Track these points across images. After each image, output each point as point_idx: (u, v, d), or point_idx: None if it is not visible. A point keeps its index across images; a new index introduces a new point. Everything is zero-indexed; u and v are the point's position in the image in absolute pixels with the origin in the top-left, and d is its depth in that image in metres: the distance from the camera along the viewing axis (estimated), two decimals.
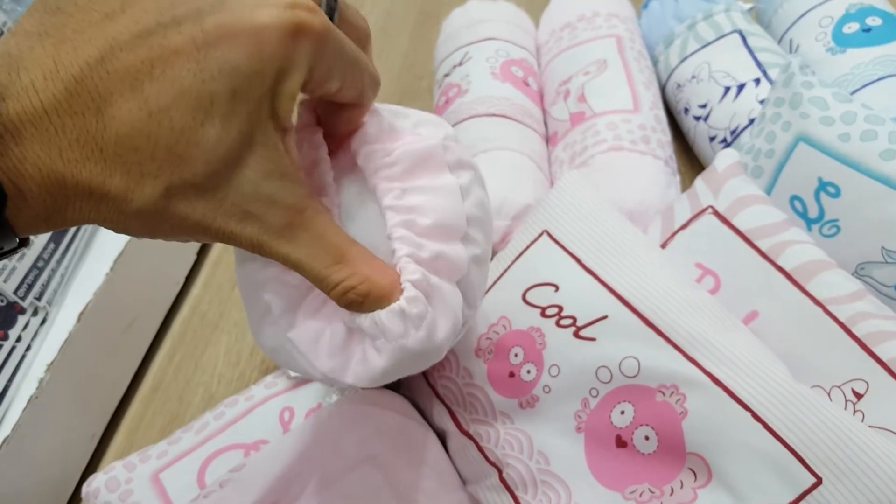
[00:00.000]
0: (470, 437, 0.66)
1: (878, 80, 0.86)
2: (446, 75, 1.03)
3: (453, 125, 0.93)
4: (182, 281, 0.95)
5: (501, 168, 0.85)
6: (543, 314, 0.66)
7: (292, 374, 0.74)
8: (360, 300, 0.38)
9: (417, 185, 0.43)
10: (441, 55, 1.09)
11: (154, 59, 0.30)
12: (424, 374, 0.73)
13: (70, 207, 0.31)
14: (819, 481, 0.49)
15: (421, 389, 0.73)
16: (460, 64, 1.02)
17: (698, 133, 0.94)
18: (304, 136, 0.44)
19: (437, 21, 1.16)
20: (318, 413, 0.65)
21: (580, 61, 0.98)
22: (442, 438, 0.69)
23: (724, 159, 0.72)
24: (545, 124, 0.98)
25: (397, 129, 0.44)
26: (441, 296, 0.42)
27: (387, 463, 0.63)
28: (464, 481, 0.66)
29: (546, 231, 0.69)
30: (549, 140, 0.96)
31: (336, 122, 0.43)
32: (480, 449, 0.65)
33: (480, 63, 1.00)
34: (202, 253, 0.99)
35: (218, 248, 0.99)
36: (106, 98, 0.30)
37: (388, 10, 1.36)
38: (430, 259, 0.42)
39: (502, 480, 0.62)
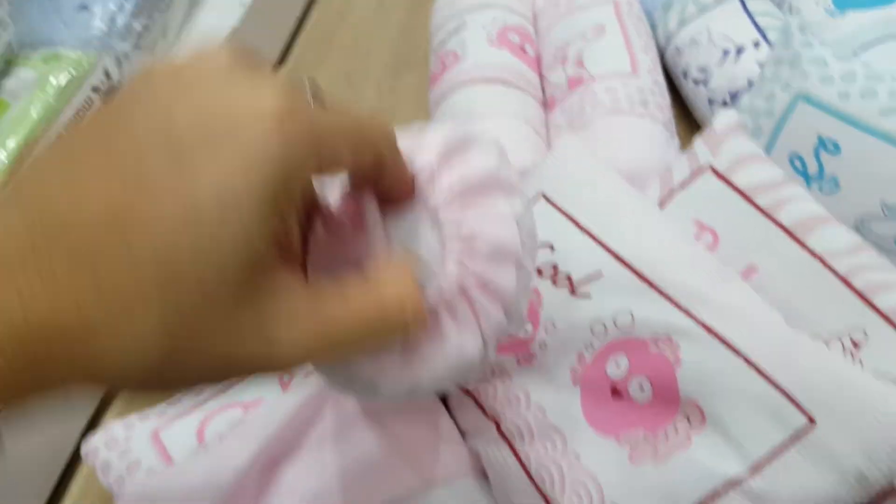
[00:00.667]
0: (468, 393, 0.66)
1: (879, 42, 0.85)
2: (442, 43, 1.02)
3: (447, 93, 0.93)
4: None
5: (498, 134, 0.85)
6: (540, 274, 0.65)
7: None
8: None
9: (473, 213, 0.41)
10: (437, 23, 1.08)
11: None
12: None
13: None
14: (812, 421, 0.49)
15: None
16: (456, 31, 1.01)
17: (697, 97, 0.94)
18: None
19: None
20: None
21: (578, 27, 0.98)
22: (442, 397, 0.69)
23: (723, 119, 0.71)
24: (542, 90, 0.98)
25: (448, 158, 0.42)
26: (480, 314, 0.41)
27: (386, 417, 0.63)
28: (463, 435, 0.66)
29: (542, 193, 0.69)
30: (546, 105, 0.96)
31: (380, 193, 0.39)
32: (479, 404, 0.65)
33: (477, 30, 0.99)
34: None
35: None
36: None
37: None
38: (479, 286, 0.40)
39: (500, 433, 0.62)
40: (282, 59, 1.23)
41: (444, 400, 0.69)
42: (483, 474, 0.63)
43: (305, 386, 0.64)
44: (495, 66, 0.94)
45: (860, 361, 0.56)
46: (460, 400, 0.67)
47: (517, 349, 0.65)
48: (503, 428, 0.62)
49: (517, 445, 0.61)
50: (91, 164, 0.26)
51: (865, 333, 0.57)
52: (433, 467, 0.61)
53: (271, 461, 0.60)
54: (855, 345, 0.57)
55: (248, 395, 0.69)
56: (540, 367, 0.63)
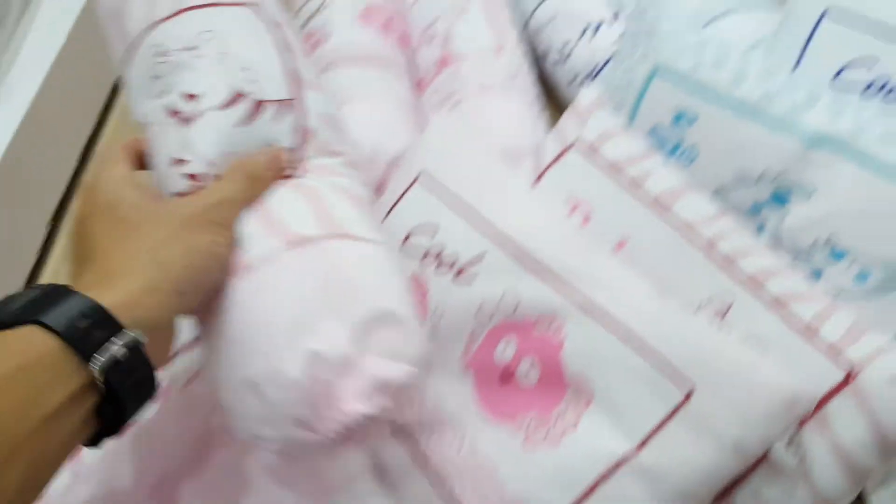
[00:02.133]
0: None
1: (722, 14, 0.90)
2: (305, 23, 0.99)
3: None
4: (38, 250, 0.88)
5: (370, 116, 0.83)
6: (424, 259, 0.65)
7: None
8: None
9: None
10: (298, 2, 1.04)
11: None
12: None
13: None
14: (691, 394, 0.52)
15: None
16: (318, 10, 0.98)
17: (559, 76, 0.96)
18: None
19: None
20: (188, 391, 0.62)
21: (442, 3, 0.97)
22: None
23: (586, 95, 0.73)
24: (412, 70, 0.97)
25: None
26: None
27: None
28: None
29: (421, 172, 0.69)
30: (417, 86, 0.95)
31: None
32: None
33: (342, 7, 0.96)
34: (56, 221, 0.92)
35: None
36: None
37: None
38: None
39: (398, 430, 0.62)
40: None
41: None
42: (381, 475, 0.62)
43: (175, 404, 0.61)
44: (361, 46, 0.92)
45: (727, 328, 0.60)
46: None
47: None
48: (399, 425, 0.62)
49: (413, 443, 0.61)
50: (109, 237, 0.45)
51: (730, 303, 0.61)
52: (331, 474, 0.60)
53: (164, 480, 0.58)
54: (720, 315, 0.61)
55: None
56: (433, 356, 0.64)
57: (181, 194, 0.48)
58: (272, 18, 0.55)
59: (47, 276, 0.87)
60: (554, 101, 0.99)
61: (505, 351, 0.60)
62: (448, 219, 0.65)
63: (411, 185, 0.69)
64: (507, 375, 0.59)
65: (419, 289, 0.65)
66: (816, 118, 0.64)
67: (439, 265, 0.64)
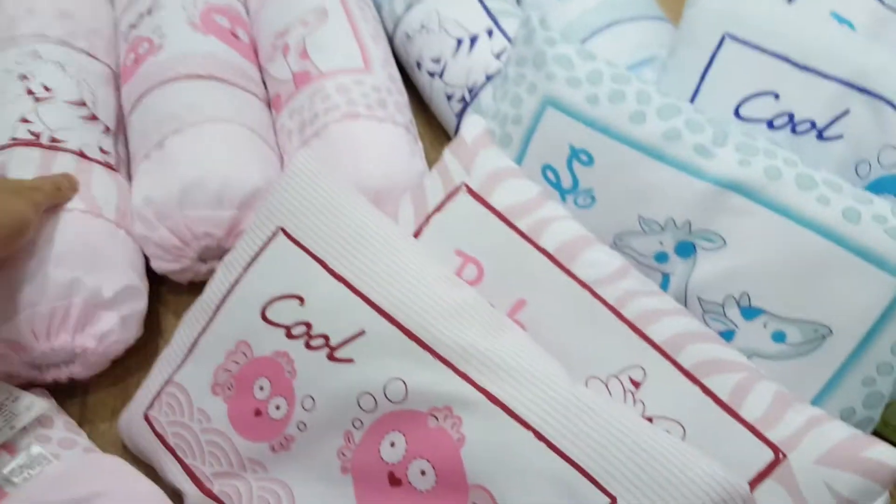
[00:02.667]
0: (215, 498, 0.54)
1: (605, 27, 0.84)
2: (132, 26, 0.83)
3: (147, 92, 0.75)
4: None
5: (217, 144, 0.70)
6: (289, 334, 0.54)
7: None
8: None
9: None
10: (121, 4, 0.88)
11: None
12: (148, 420, 0.58)
13: None
14: (614, 500, 0.45)
15: (141, 435, 0.58)
16: (149, 12, 0.83)
17: (434, 90, 0.86)
18: None
19: None
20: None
21: (296, 8, 0.84)
22: (180, 502, 0.55)
23: (471, 128, 0.64)
24: (264, 85, 0.84)
25: None
26: None
27: None
28: None
29: (282, 228, 0.57)
30: (270, 104, 0.82)
31: None
32: None
33: (176, 11, 0.82)
34: None
35: None
36: None
37: None
38: None
39: None
40: None
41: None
42: None
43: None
44: (202, 57, 0.78)
45: (641, 402, 0.53)
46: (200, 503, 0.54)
47: (270, 433, 0.54)
48: None
49: None
50: None
51: (644, 370, 0.54)
52: None
53: None
54: (634, 384, 0.54)
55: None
56: (301, 452, 0.53)
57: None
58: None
59: None
60: (429, 114, 0.90)
61: (392, 449, 0.50)
62: (316, 285, 0.54)
63: (270, 240, 0.58)
64: (395, 479, 0.50)
65: (286, 368, 0.53)
66: (725, 159, 0.59)
67: (309, 343, 0.53)
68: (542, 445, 0.46)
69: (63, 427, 0.59)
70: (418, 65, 0.88)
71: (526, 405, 0.47)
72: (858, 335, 0.55)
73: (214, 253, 0.69)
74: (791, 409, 0.51)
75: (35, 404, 0.58)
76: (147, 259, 0.70)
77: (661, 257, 0.61)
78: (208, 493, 0.54)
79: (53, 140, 0.69)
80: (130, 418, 0.60)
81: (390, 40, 0.92)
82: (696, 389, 0.52)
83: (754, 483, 0.50)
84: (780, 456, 0.50)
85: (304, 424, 0.52)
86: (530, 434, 0.47)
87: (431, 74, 0.86)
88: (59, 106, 0.72)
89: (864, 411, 0.57)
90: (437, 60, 0.86)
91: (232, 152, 0.70)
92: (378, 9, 0.94)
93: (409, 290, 0.52)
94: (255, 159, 0.72)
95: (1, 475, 0.54)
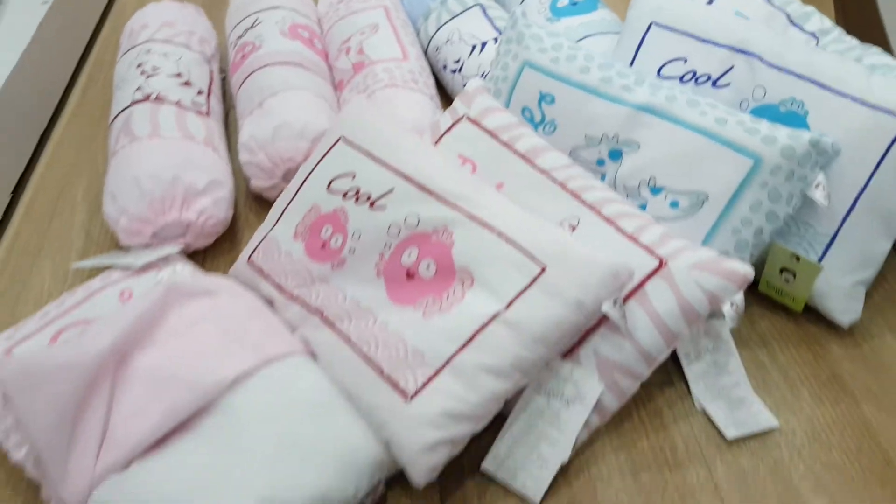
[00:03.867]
0: (293, 297, 0.81)
1: (584, 38, 1.14)
2: (240, 37, 1.17)
3: (250, 74, 1.08)
4: (0, 213, 1.00)
5: (299, 102, 1.01)
6: (345, 197, 0.83)
7: (130, 263, 0.85)
8: None
9: None
10: (232, 23, 1.23)
11: None
12: (251, 262, 0.87)
13: None
14: (544, 269, 0.71)
15: (246, 272, 0.86)
16: (252, 27, 1.17)
17: (455, 83, 1.17)
18: None
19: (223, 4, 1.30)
20: (159, 285, 0.77)
21: (356, 25, 1.17)
22: (269, 304, 0.83)
23: (472, 84, 0.94)
24: (332, 78, 1.16)
25: None
26: None
27: (220, 318, 0.76)
28: (291, 329, 0.80)
29: (342, 137, 0.87)
30: (336, 87, 1.14)
31: None
32: (303, 303, 0.80)
33: (271, 25, 1.16)
34: (16, 192, 1.04)
35: (32, 189, 1.05)
36: None
37: None
38: None
39: (324, 319, 0.78)
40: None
41: (269, 305, 0.83)
42: (311, 355, 0.78)
43: (149, 295, 0.75)
44: (290, 53, 1.10)
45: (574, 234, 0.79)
46: (285, 303, 0.82)
47: (331, 257, 0.81)
48: (326, 315, 0.78)
49: (339, 326, 0.77)
50: None
51: (578, 220, 0.81)
52: (268, 349, 0.75)
53: (123, 354, 0.71)
54: (572, 228, 0.80)
55: (91, 314, 0.79)
56: (351, 268, 0.80)
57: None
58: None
59: (8, 237, 0.99)
60: (450, 103, 1.20)
61: (409, 257, 0.77)
62: (363, 166, 0.83)
63: (333, 145, 0.87)
64: (410, 274, 0.77)
65: (342, 217, 0.82)
66: (641, 93, 0.87)
67: (357, 200, 0.82)
68: (501, 240, 0.73)
69: (189, 263, 0.88)
70: (444, 67, 1.19)
71: (494, 219, 0.74)
72: (726, 198, 0.81)
73: (293, 175, 0.99)
74: (674, 239, 0.77)
75: (166, 248, 0.88)
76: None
77: (600, 162, 0.89)
78: (289, 296, 0.82)
79: (158, 97, 1.01)
80: (239, 264, 0.88)
81: (424, 52, 1.24)
82: (611, 229, 0.79)
83: (645, 280, 0.75)
84: (663, 262, 0.75)
85: (354, 250, 0.80)
86: (494, 234, 0.73)
87: (453, 72, 1.17)
88: (163, 78, 1.05)
89: (735, 254, 0.82)
90: (457, 61, 1.17)
91: (309, 106, 1.01)
92: (416, 32, 1.26)
93: (425, 164, 0.81)
94: (324, 113, 1.02)
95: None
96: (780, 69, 0.87)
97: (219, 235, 0.97)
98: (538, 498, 0.72)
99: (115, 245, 0.98)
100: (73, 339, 0.69)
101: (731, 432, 0.78)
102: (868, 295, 0.91)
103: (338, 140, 0.87)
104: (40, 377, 0.63)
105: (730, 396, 0.81)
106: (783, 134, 0.80)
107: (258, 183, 1.00)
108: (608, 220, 0.79)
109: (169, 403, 0.68)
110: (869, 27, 1.12)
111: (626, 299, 0.75)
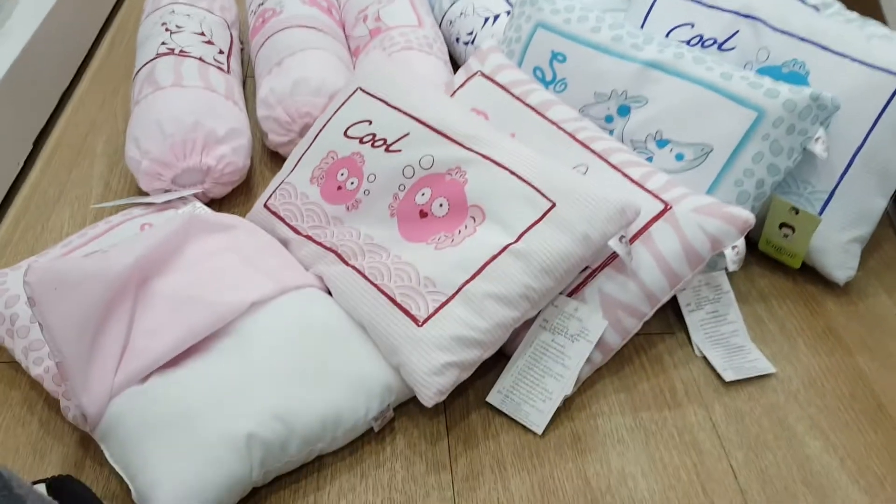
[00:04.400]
0: (308, 237, 0.84)
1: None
2: (261, 4, 1.21)
3: (270, 36, 1.11)
4: (21, 162, 1.02)
5: (318, 60, 1.04)
6: (361, 142, 0.86)
7: (150, 201, 0.87)
8: None
9: None
10: None
11: None
12: (267, 207, 0.89)
13: None
14: (553, 204, 0.74)
15: (262, 216, 0.89)
16: None
17: (468, 54, 1.20)
18: None
19: None
20: (179, 216, 0.79)
21: None
22: (284, 245, 0.86)
23: (486, 42, 0.97)
24: (348, 46, 1.19)
25: None
26: None
27: (239, 249, 0.79)
28: (306, 267, 0.83)
29: (359, 87, 0.90)
30: (352, 53, 1.17)
31: None
32: (317, 242, 0.83)
33: None
34: (37, 144, 1.07)
35: (53, 141, 1.08)
36: None
37: None
38: None
39: (339, 256, 0.80)
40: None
41: (285, 245, 0.86)
42: (326, 290, 0.80)
43: (171, 222, 0.78)
44: (309, 18, 1.14)
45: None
46: (300, 242, 0.85)
47: (346, 199, 0.84)
48: (340, 252, 0.81)
49: (352, 261, 0.80)
50: None
51: (587, 167, 0.83)
52: (285, 280, 0.78)
53: (144, 277, 0.74)
54: (582, 173, 0.83)
55: (110, 244, 0.82)
56: (365, 209, 0.83)
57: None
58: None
59: (28, 185, 1.02)
60: None
61: (423, 196, 0.80)
62: (380, 113, 0.86)
63: (351, 95, 0.90)
64: (423, 213, 0.79)
65: (359, 160, 0.85)
66: (650, 50, 0.90)
67: (374, 144, 0.85)
68: (514, 177, 0.76)
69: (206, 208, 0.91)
70: (457, 39, 1.23)
71: (506, 158, 0.77)
72: (729, 149, 0.84)
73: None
74: (678, 186, 0.80)
75: (185, 191, 0.91)
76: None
77: (608, 118, 0.92)
78: (305, 236, 0.84)
79: (182, 51, 1.04)
80: (255, 209, 0.91)
81: (439, 26, 1.27)
82: (618, 175, 0.82)
83: (650, 223, 0.78)
84: (668, 206, 0.78)
85: (368, 191, 0.83)
86: (506, 172, 0.76)
87: (466, 44, 1.20)
88: (187, 35, 1.08)
89: (737, 204, 0.85)
90: (470, 33, 1.20)
91: (327, 64, 1.04)
92: (431, 4, 1.30)
93: (440, 109, 0.83)
94: (341, 71, 1.05)
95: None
96: (782, 32, 0.90)
97: (235, 185, 1.00)
98: (541, 429, 0.75)
99: (134, 194, 1.01)
100: (99, 255, 0.72)
101: (728, 375, 0.81)
102: (864, 260, 0.94)
103: (355, 90, 0.90)
104: (68, 284, 0.65)
105: (728, 344, 0.84)
106: (785, 89, 0.83)
107: (275, 138, 1.03)
108: (616, 168, 0.82)
109: (189, 322, 0.70)
110: (867, 8, 1.15)
111: (631, 241, 0.78)
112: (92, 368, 0.67)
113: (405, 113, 0.85)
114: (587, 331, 0.76)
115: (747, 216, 0.77)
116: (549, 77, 0.96)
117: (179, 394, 0.67)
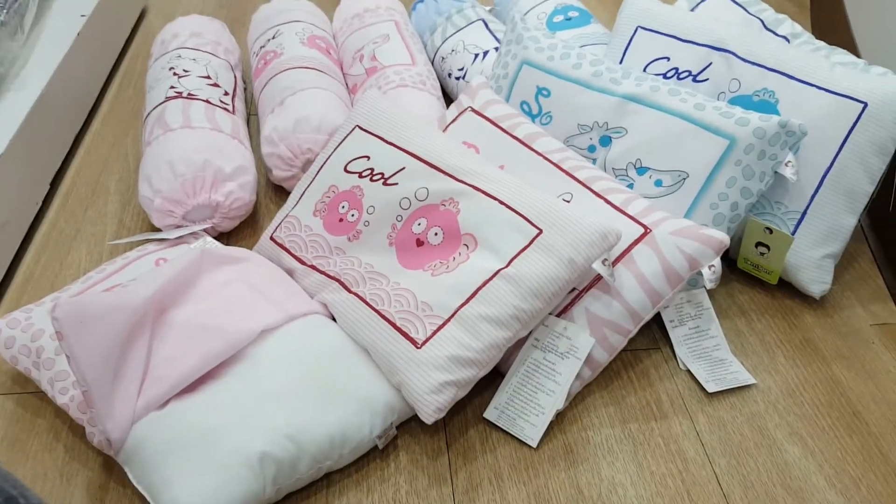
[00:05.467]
0: (313, 267, 0.90)
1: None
2: (262, 47, 1.27)
3: (272, 77, 1.18)
4: (40, 202, 1.08)
5: (318, 99, 1.11)
6: (360, 176, 0.92)
7: (164, 237, 0.93)
8: None
9: None
10: (254, 36, 1.33)
11: None
12: (273, 240, 0.95)
13: None
14: (540, 231, 0.79)
15: (269, 248, 0.95)
16: (274, 37, 1.27)
17: (459, 88, 1.27)
18: None
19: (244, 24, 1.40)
20: (192, 251, 0.85)
21: (368, 37, 1.28)
22: (290, 275, 0.91)
23: (475, 79, 1.03)
24: (346, 85, 1.26)
25: None
26: None
27: (248, 280, 0.85)
28: (311, 295, 0.88)
29: (357, 125, 0.96)
30: (350, 91, 1.23)
31: None
32: (321, 271, 0.88)
33: (291, 36, 1.26)
34: (54, 184, 1.13)
35: (69, 180, 1.14)
36: None
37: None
38: None
39: (341, 284, 0.86)
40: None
41: (290, 275, 0.91)
42: (330, 316, 0.86)
43: (184, 256, 0.84)
44: (309, 59, 1.20)
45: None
46: (305, 272, 0.90)
47: (347, 230, 0.90)
48: (343, 280, 0.86)
49: (355, 289, 0.85)
50: None
51: (572, 195, 0.89)
52: (292, 308, 0.83)
53: (161, 309, 0.79)
54: (566, 202, 0.89)
55: (127, 279, 0.87)
56: (366, 239, 0.89)
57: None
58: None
59: (46, 223, 1.08)
60: None
61: (419, 227, 0.85)
62: (377, 149, 0.92)
63: (349, 133, 0.96)
64: (420, 242, 0.85)
65: (358, 194, 0.90)
66: (627, 84, 0.96)
67: (372, 178, 0.90)
68: (503, 207, 0.81)
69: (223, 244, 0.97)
70: (449, 74, 1.29)
71: (496, 189, 0.83)
72: (704, 175, 0.90)
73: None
74: (657, 210, 0.86)
75: (195, 227, 0.96)
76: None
77: (591, 148, 0.97)
78: (310, 266, 0.90)
79: (190, 94, 1.11)
80: (262, 241, 0.97)
81: (431, 62, 1.34)
82: (601, 202, 0.87)
83: (632, 246, 0.83)
84: (647, 230, 0.84)
85: (368, 223, 0.89)
86: (496, 202, 0.82)
87: (458, 78, 1.27)
88: (193, 79, 1.14)
89: (713, 227, 0.90)
90: (461, 69, 1.26)
91: (327, 103, 1.10)
92: (424, 45, 1.36)
93: (434, 145, 0.89)
94: (341, 110, 1.11)
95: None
96: (752, 63, 0.96)
97: (242, 219, 1.06)
98: (535, 442, 0.80)
99: (147, 230, 1.07)
100: (119, 289, 0.77)
101: (711, 387, 0.86)
102: (839, 274, 0.99)
103: (354, 128, 0.96)
104: (92, 317, 0.71)
105: (711, 357, 0.89)
106: (755, 117, 0.88)
107: (279, 173, 1.09)
108: (598, 195, 0.88)
109: (203, 349, 0.76)
110: (838, 32, 1.22)
111: (614, 263, 0.83)
112: (115, 396, 0.72)
113: (401, 148, 0.90)
114: (576, 348, 0.82)
115: (722, 237, 0.83)
116: (535, 111, 1.02)
117: (196, 417, 0.72)
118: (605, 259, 0.80)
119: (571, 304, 0.83)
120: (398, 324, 0.79)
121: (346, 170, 0.93)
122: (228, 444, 0.70)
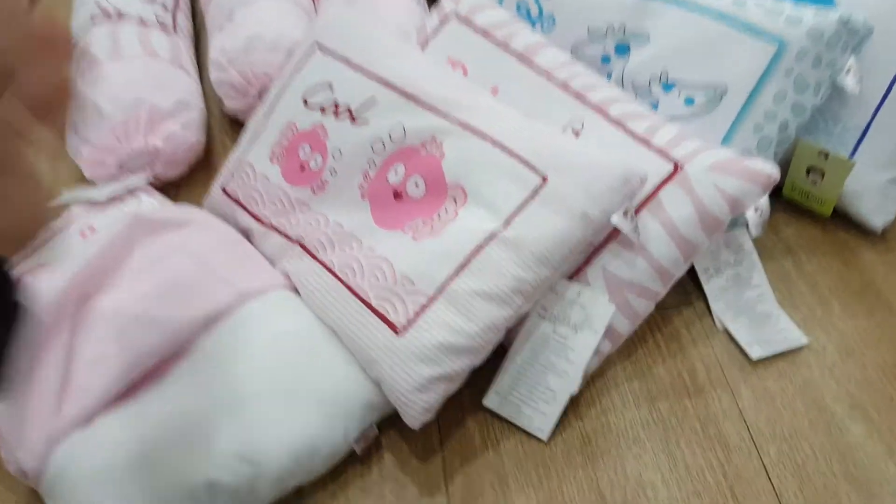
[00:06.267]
0: (272, 227, 0.74)
1: None
2: None
3: None
4: None
5: (271, 9, 0.92)
6: (323, 112, 0.74)
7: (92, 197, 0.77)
8: None
9: None
10: None
11: None
12: (226, 192, 0.79)
13: None
14: (545, 179, 0.63)
15: (221, 202, 0.79)
16: None
17: None
18: None
19: None
20: (127, 220, 0.70)
21: None
22: (247, 237, 0.76)
23: None
24: None
25: None
26: None
27: (195, 250, 0.69)
28: (271, 263, 0.73)
29: (317, 42, 0.78)
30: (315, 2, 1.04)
31: None
32: (282, 233, 0.73)
33: None
34: None
35: None
36: None
37: None
38: None
39: (305, 249, 0.71)
40: None
41: (251, 241, 0.76)
42: (293, 289, 0.71)
43: (107, 232, 0.68)
44: None
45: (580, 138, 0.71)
46: (264, 234, 0.75)
47: (311, 180, 0.74)
48: (306, 244, 0.71)
49: (321, 256, 0.70)
50: None
51: (582, 124, 0.72)
52: (245, 284, 0.68)
53: (83, 296, 0.64)
54: (576, 133, 0.72)
55: (48, 258, 0.72)
56: (333, 191, 0.73)
57: None
58: None
59: None
60: None
61: (395, 175, 0.69)
62: (341, 75, 0.74)
63: (307, 55, 0.78)
64: (397, 194, 0.69)
65: (322, 134, 0.74)
66: None
67: (337, 114, 0.73)
68: (498, 150, 0.65)
69: (157, 195, 0.81)
70: None
71: (488, 125, 0.66)
72: (747, 90, 0.72)
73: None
74: (689, 140, 0.69)
75: (132, 179, 0.80)
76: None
77: (605, 59, 0.79)
78: (268, 226, 0.74)
79: (119, 13, 0.92)
80: (212, 194, 0.81)
81: None
82: (619, 131, 0.70)
83: (659, 187, 0.67)
84: (678, 167, 0.67)
85: (335, 170, 0.72)
86: (489, 143, 0.65)
87: None
88: None
89: (758, 153, 0.73)
90: None
91: (282, 16, 0.92)
92: None
93: (409, 69, 0.72)
94: (299, 22, 0.93)
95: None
96: None
97: (192, 164, 0.89)
98: (546, 434, 0.66)
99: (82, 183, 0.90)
100: (27, 281, 0.62)
101: (755, 352, 0.71)
102: None
103: (312, 46, 0.78)
104: None
105: (753, 312, 0.74)
106: (809, 14, 0.70)
107: (232, 104, 0.92)
108: (615, 122, 0.71)
109: (134, 347, 0.62)
110: None
111: (638, 210, 0.67)
112: (25, 417, 0.58)
113: (369, 73, 0.73)
114: (592, 319, 0.67)
115: (771, 171, 0.66)
116: (534, 13, 0.83)
117: (129, 436, 0.59)
118: (627, 209, 0.64)
119: (586, 263, 0.68)
120: (373, 303, 0.64)
121: (306, 103, 0.76)
122: (168, 471, 0.57)
